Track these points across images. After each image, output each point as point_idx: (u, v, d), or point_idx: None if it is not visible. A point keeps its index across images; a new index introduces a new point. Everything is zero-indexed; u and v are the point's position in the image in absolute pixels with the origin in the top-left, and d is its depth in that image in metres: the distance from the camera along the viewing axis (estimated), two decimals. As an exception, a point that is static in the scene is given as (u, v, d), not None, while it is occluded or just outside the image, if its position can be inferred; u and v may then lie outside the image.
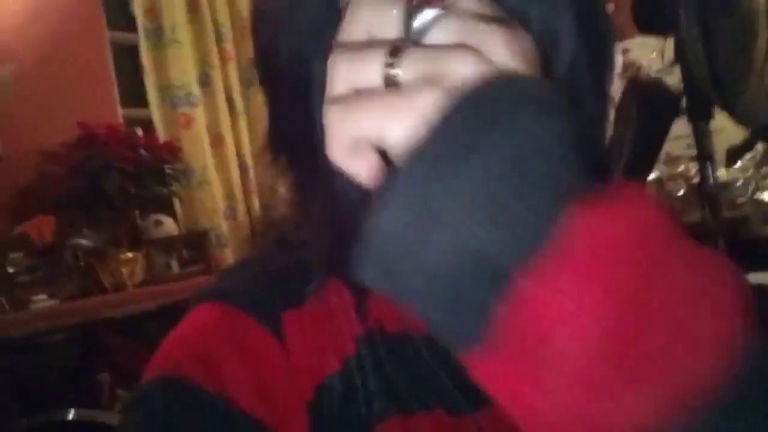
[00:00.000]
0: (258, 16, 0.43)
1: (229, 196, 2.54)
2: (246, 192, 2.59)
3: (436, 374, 0.41)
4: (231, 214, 2.54)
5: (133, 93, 2.47)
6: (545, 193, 0.25)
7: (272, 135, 0.43)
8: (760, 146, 2.02)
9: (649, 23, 1.32)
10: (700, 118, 1.36)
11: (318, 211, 0.41)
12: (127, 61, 2.47)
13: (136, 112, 2.47)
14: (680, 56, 1.32)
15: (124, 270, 1.99)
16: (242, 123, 2.60)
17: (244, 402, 0.36)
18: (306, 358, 0.40)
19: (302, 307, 0.41)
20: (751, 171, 1.82)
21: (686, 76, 1.32)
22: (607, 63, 0.42)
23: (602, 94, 0.42)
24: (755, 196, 1.73)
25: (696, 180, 1.79)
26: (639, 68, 2.69)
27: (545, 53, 0.32)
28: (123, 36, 2.47)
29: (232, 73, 2.57)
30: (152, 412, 0.36)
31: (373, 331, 0.42)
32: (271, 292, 0.42)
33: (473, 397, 0.41)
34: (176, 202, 2.36)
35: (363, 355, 0.41)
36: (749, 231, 1.73)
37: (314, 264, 0.42)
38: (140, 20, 2.36)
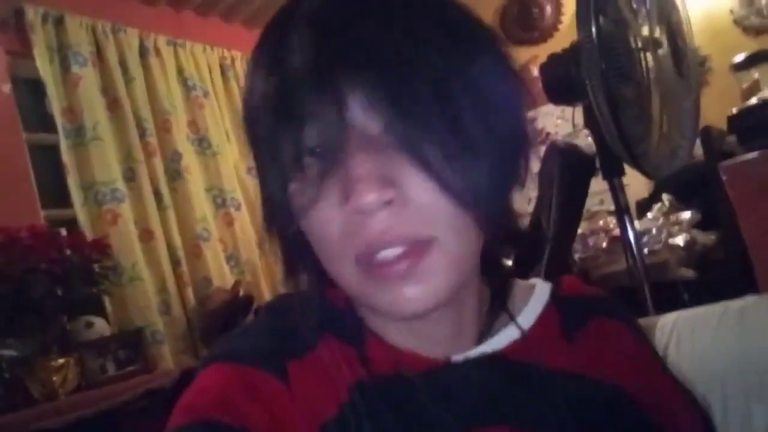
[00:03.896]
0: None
1: (162, 290, 2.47)
2: (179, 285, 2.53)
3: (429, 410, 0.45)
4: (165, 309, 2.46)
5: (55, 193, 2.40)
6: None
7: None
8: (665, 197, 2.21)
9: (559, 95, 1.46)
10: (613, 176, 1.49)
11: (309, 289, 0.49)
12: (49, 161, 2.42)
13: (59, 213, 2.40)
14: (590, 121, 1.46)
15: (56, 378, 1.87)
16: (171, 215, 2.57)
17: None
18: (309, 401, 0.44)
19: (303, 359, 0.46)
20: (661, 220, 1.99)
21: (597, 139, 1.46)
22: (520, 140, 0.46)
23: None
24: (669, 242, 1.89)
25: (616, 232, 1.93)
26: (548, 134, 2.92)
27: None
28: (42, 137, 2.43)
29: (157, 166, 2.56)
30: None
31: (366, 379, 0.46)
32: (275, 348, 0.46)
33: (468, 423, 0.45)
34: (107, 301, 2.27)
35: (356, 403, 0.44)
36: (668, 273, 1.87)
37: (308, 326, 0.47)
38: (59, 120, 2.33)
